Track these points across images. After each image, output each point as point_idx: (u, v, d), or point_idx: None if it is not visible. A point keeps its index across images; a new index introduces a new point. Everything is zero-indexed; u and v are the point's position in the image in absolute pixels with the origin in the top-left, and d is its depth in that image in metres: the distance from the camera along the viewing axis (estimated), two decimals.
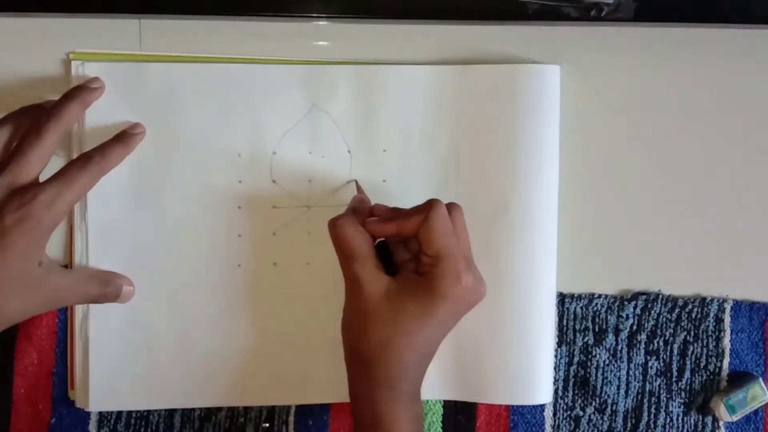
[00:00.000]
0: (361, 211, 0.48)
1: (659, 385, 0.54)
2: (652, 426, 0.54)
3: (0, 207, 0.45)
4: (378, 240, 0.47)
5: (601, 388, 0.54)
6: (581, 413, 0.54)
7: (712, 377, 0.54)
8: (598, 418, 0.54)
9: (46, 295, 0.47)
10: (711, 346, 0.54)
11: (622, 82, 0.54)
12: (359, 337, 0.46)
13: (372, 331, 0.45)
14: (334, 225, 0.46)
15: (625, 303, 0.54)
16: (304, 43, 0.53)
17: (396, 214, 0.47)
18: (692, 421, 0.54)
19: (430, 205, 0.45)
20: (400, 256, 0.48)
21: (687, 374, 0.54)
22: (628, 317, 0.54)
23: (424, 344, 0.46)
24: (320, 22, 0.52)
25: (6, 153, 0.48)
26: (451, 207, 0.46)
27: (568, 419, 0.54)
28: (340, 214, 0.47)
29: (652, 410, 0.54)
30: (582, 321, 0.54)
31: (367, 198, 0.50)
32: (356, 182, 0.52)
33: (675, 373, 0.54)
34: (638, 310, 0.54)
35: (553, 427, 0.54)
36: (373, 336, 0.45)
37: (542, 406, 0.54)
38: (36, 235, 0.45)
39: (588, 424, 0.54)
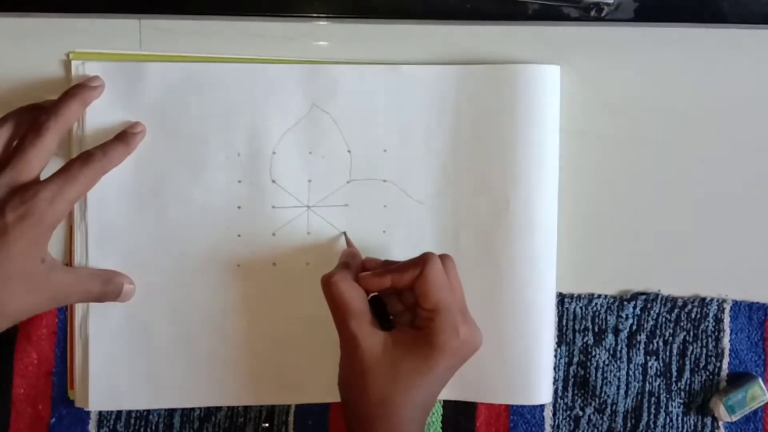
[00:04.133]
0: (354, 266, 0.48)
1: (659, 385, 0.54)
2: (652, 426, 0.54)
3: (1, 205, 0.45)
4: (371, 294, 0.47)
5: (601, 388, 0.54)
6: (581, 413, 0.54)
7: (711, 377, 0.54)
8: (598, 418, 0.54)
9: (49, 293, 0.47)
10: (710, 347, 0.54)
11: (622, 82, 0.54)
12: (358, 395, 0.45)
13: (371, 388, 0.45)
14: (328, 282, 0.46)
15: (625, 303, 0.54)
16: (304, 43, 0.53)
17: (389, 267, 0.47)
18: (692, 422, 0.54)
19: (425, 258, 0.45)
20: (393, 308, 0.48)
21: (686, 374, 0.54)
22: (627, 317, 0.54)
23: (424, 398, 0.46)
24: (320, 22, 0.52)
25: (6, 152, 0.48)
26: (444, 259, 0.46)
27: (568, 419, 0.54)
28: (331, 271, 0.47)
29: (652, 410, 0.54)
30: (582, 321, 0.54)
31: (357, 251, 0.50)
32: (345, 234, 0.52)
33: (674, 374, 0.54)
34: (638, 311, 0.54)
35: (552, 427, 0.54)
36: (373, 394, 0.45)
37: (542, 406, 0.54)
38: (38, 233, 0.45)
39: (588, 424, 0.54)
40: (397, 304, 0.48)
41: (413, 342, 0.45)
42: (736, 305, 0.54)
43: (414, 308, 0.46)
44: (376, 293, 0.47)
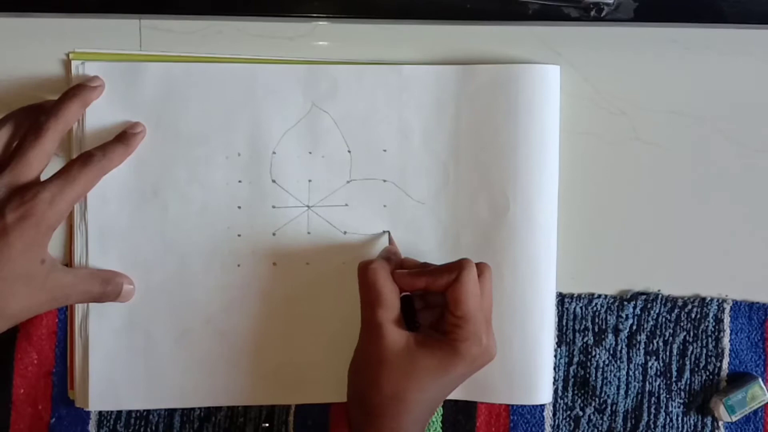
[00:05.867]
0: (393, 262, 0.48)
1: (659, 385, 0.54)
2: (652, 426, 0.54)
3: (1, 205, 0.45)
4: (403, 293, 0.47)
5: (601, 388, 0.54)
6: (581, 413, 0.54)
7: (711, 377, 0.54)
8: (598, 418, 0.54)
9: (49, 293, 0.47)
10: (710, 347, 0.54)
11: (622, 82, 0.54)
12: (370, 385, 0.46)
13: (385, 381, 0.45)
14: (366, 269, 0.46)
15: (625, 303, 0.54)
16: (304, 43, 0.53)
17: (426, 269, 0.47)
18: (692, 422, 0.54)
19: (461, 265, 0.45)
20: (416, 304, 0.48)
21: (686, 374, 0.54)
22: (627, 317, 0.54)
23: (434, 399, 0.46)
24: (320, 22, 0.52)
25: (6, 153, 0.48)
26: (481, 267, 0.46)
27: (568, 419, 0.54)
28: (371, 258, 0.47)
29: (652, 410, 0.54)
30: (582, 321, 0.54)
31: (398, 250, 0.50)
32: (389, 234, 0.52)
33: (674, 374, 0.54)
34: (638, 311, 0.54)
35: (552, 427, 0.54)
36: (386, 387, 0.45)
37: (542, 406, 0.54)
38: (38, 233, 0.45)
39: (588, 424, 0.54)
40: (419, 302, 0.48)
41: (435, 345, 0.45)
42: (736, 305, 0.54)
43: (437, 308, 0.47)
44: (408, 293, 0.47)
